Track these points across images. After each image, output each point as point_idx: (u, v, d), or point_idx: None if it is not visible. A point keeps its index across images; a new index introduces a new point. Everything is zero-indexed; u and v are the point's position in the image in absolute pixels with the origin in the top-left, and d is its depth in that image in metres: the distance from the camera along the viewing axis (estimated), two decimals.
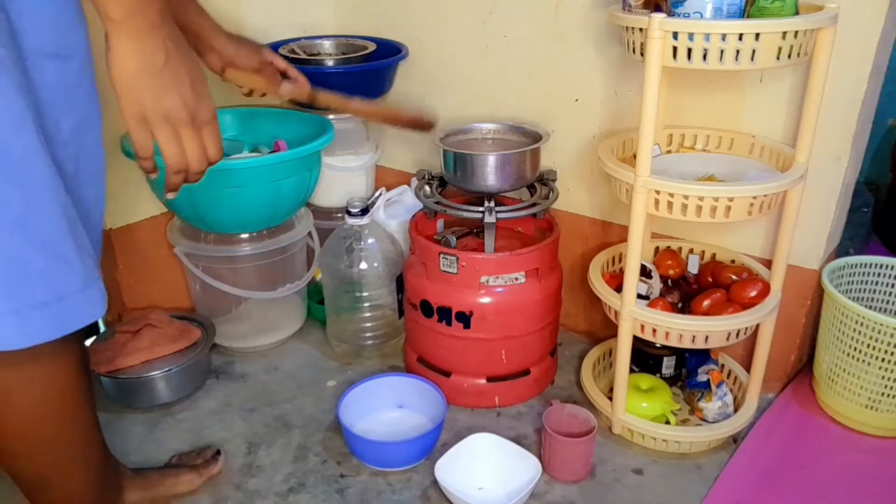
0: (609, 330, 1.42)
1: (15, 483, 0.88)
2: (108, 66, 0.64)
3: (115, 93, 0.65)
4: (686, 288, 1.26)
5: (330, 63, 1.50)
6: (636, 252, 1.10)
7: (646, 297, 1.20)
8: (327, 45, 1.59)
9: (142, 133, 0.67)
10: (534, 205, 1.28)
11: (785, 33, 0.93)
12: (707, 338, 1.12)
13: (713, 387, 1.24)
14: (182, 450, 1.21)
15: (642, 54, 0.99)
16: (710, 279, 1.25)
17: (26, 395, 0.80)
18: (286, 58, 1.49)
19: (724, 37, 0.93)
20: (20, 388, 0.79)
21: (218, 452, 1.19)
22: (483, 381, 1.32)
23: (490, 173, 1.23)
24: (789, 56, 0.96)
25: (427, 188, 1.36)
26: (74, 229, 0.72)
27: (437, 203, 1.30)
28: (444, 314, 1.27)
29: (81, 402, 0.87)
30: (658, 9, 1.00)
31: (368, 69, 1.48)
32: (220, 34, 0.98)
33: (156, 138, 0.68)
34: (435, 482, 1.11)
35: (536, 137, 1.29)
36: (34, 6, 0.66)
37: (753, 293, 1.16)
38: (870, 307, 1.32)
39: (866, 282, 1.34)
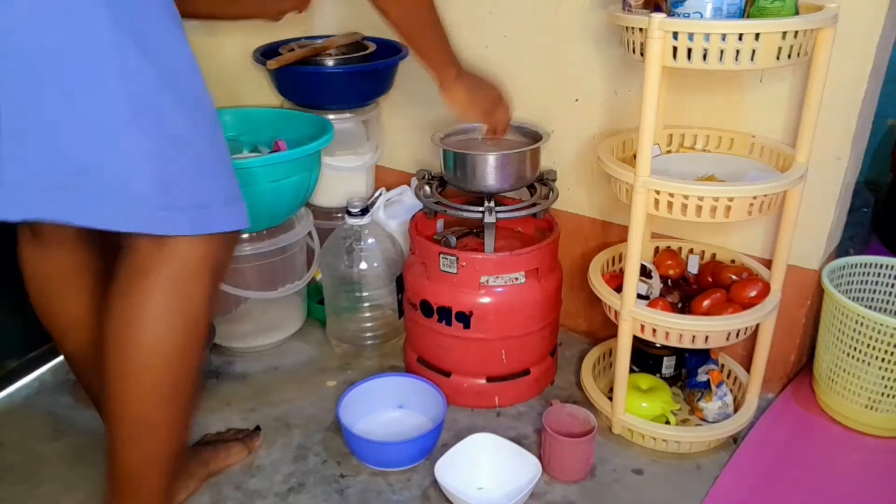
0: (609, 330, 1.42)
1: (111, 429, 0.87)
2: (453, 98, 1.17)
3: (462, 110, 1.19)
4: (686, 288, 1.26)
5: (330, 63, 1.50)
6: (636, 252, 1.10)
7: (646, 297, 1.20)
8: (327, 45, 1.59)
9: (491, 118, 1.24)
10: (534, 205, 1.28)
11: (785, 33, 0.93)
12: (707, 338, 1.12)
13: (713, 387, 1.24)
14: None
15: (642, 54, 0.99)
16: (710, 279, 1.25)
17: (199, 287, 0.86)
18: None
19: (723, 37, 0.93)
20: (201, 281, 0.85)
21: (258, 428, 1.25)
22: (483, 381, 1.32)
23: (490, 173, 1.23)
24: (789, 56, 0.96)
25: (427, 188, 1.36)
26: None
27: (437, 203, 1.30)
28: (444, 314, 1.27)
29: (201, 347, 0.91)
30: (658, 9, 1.00)
31: (369, 69, 1.48)
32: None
33: (498, 115, 1.24)
34: (435, 482, 1.11)
35: (536, 137, 1.29)
36: None
37: (753, 293, 1.16)
38: (870, 307, 1.32)
39: (866, 282, 1.34)
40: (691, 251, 1.33)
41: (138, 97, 0.75)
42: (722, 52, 0.94)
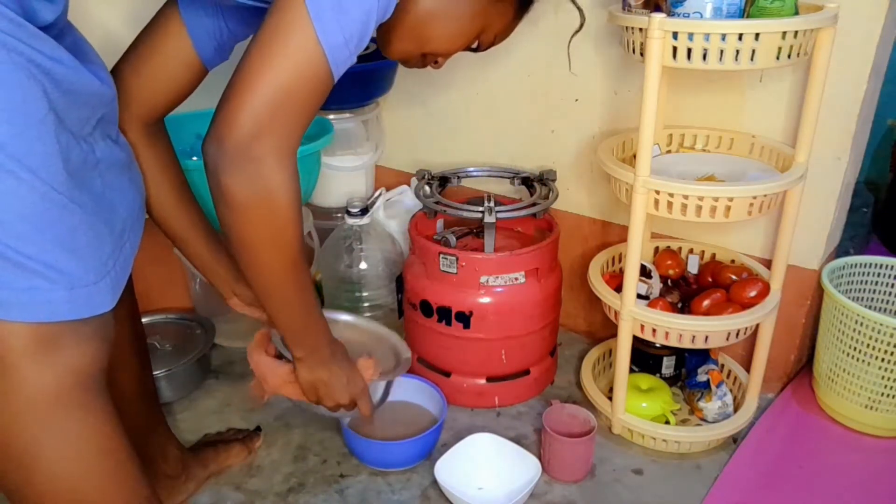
0: (609, 330, 1.42)
1: None
2: (296, 375, 0.93)
3: (301, 388, 0.94)
4: (686, 288, 1.26)
5: None
6: (636, 252, 1.10)
7: (646, 297, 1.20)
8: None
9: (314, 401, 0.96)
10: (534, 205, 1.28)
11: (785, 33, 0.93)
12: (707, 338, 1.12)
13: (713, 387, 1.24)
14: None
15: (642, 54, 0.99)
16: (710, 279, 1.25)
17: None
18: None
19: (723, 37, 0.93)
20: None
21: (258, 428, 1.25)
22: (483, 381, 1.32)
23: None
24: (789, 56, 0.96)
25: (427, 188, 1.36)
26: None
27: (437, 203, 1.29)
28: (444, 314, 1.27)
29: (131, 472, 0.76)
30: (658, 9, 1.00)
31: (368, 69, 1.48)
32: (243, 281, 1.06)
33: (324, 405, 0.96)
34: (435, 482, 1.11)
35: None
36: None
37: (753, 293, 1.16)
38: (870, 307, 1.32)
39: (866, 282, 1.34)
40: (691, 251, 1.33)
41: None
42: (722, 52, 0.94)
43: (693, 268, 1.30)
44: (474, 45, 0.90)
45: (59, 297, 0.65)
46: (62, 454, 0.70)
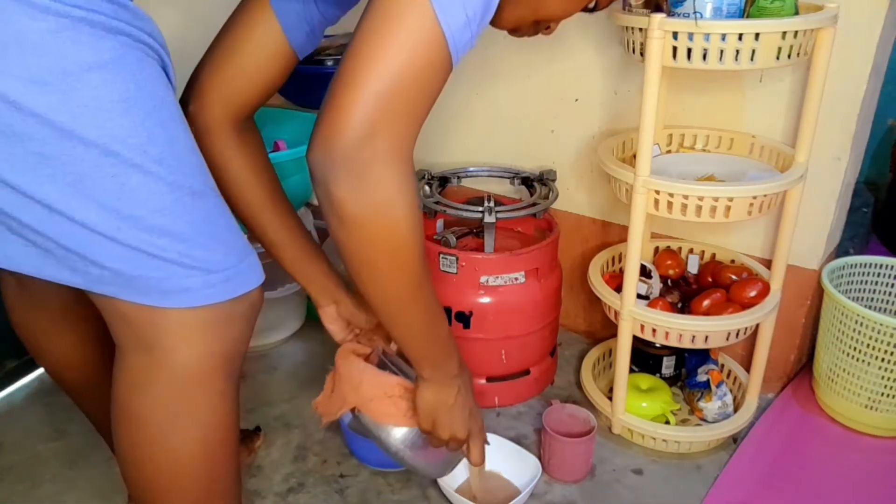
0: (609, 330, 1.42)
1: None
2: (416, 396, 0.86)
3: (418, 410, 0.87)
4: (686, 288, 1.26)
5: (330, 63, 1.50)
6: (636, 252, 1.10)
7: (645, 297, 1.20)
8: (327, 45, 1.59)
9: (427, 429, 0.89)
10: (533, 205, 1.28)
11: (784, 33, 0.93)
12: (707, 338, 1.12)
13: (713, 387, 1.24)
14: None
15: (642, 54, 0.99)
16: (710, 279, 1.25)
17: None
18: None
19: (723, 37, 0.93)
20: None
21: (258, 428, 1.24)
22: (483, 381, 1.32)
23: None
24: (789, 56, 0.96)
25: (427, 188, 1.36)
26: None
27: (437, 203, 1.29)
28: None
29: (234, 443, 0.79)
30: (658, 9, 1.00)
31: None
32: (343, 290, 1.03)
33: (436, 436, 0.89)
34: (435, 482, 1.11)
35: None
36: None
37: (753, 293, 1.16)
38: (870, 307, 1.32)
39: (866, 282, 1.34)
40: (691, 251, 1.33)
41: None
42: (722, 52, 0.94)
43: (693, 268, 1.30)
44: (591, 5, 0.80)
45: (201, 282, 0.67)
46: (190, 436, 0.72)
